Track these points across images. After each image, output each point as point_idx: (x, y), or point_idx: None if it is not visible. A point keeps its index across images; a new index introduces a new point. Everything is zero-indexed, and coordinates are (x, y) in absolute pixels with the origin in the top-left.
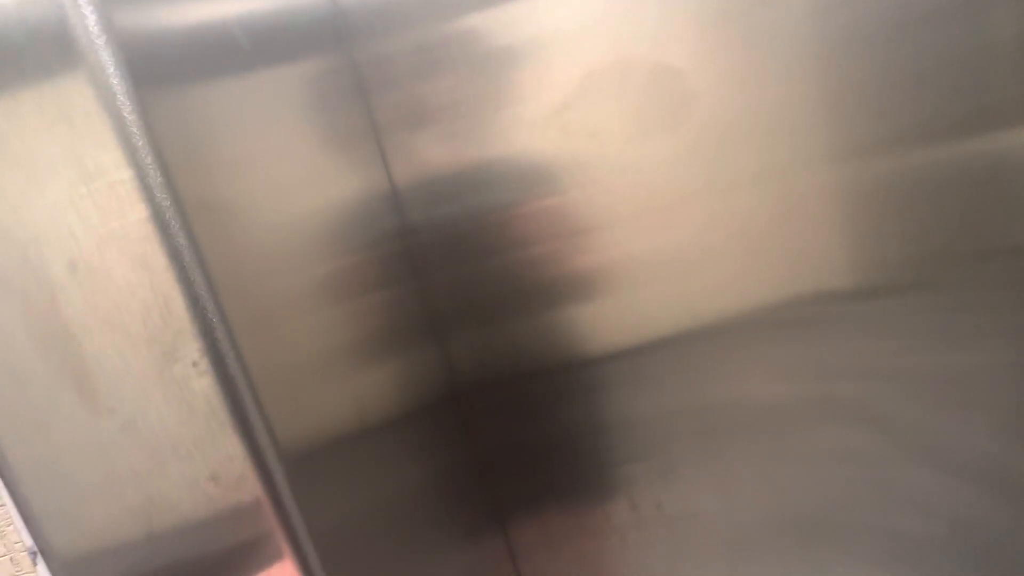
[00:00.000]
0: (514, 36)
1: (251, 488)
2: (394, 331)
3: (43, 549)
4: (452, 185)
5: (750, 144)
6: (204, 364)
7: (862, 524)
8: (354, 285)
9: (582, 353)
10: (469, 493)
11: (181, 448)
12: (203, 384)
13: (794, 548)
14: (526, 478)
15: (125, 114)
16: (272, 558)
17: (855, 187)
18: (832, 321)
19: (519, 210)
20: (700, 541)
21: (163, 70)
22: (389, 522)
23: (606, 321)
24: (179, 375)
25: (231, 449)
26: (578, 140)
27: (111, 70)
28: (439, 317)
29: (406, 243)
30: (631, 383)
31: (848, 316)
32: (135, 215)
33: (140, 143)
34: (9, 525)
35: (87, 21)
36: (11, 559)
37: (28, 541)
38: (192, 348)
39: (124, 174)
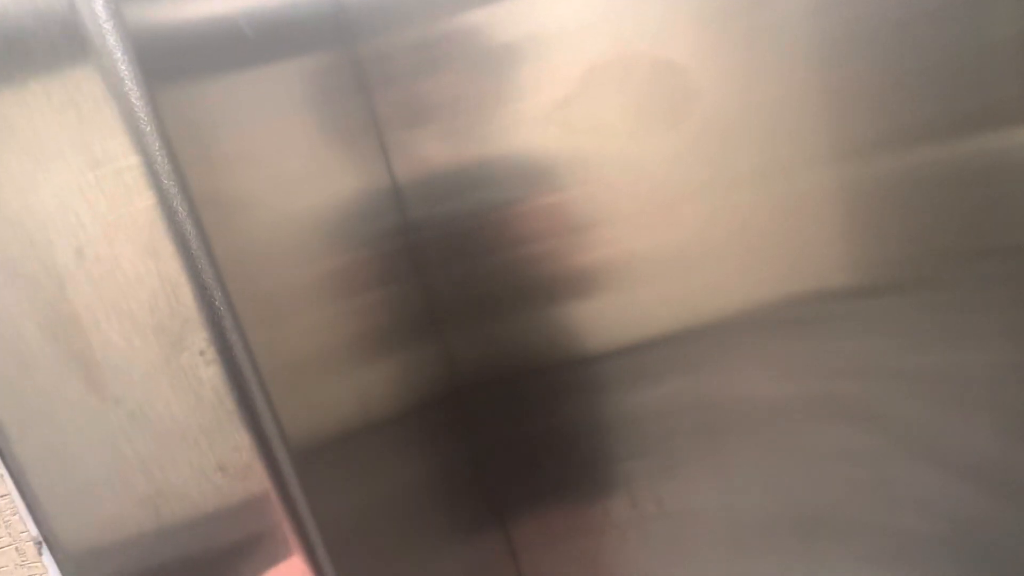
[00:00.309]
0: (516, 32)
1: (258, 479)
2: (395, 327)
3: (48, 539)
4: (454, 182)
5: (752, 142)
6: (211, 353)
7: (862, 522)
8: (356, 281)
9: (583, 350)
10: (470, 490)
11: (188, 437)
12: (210, 373)
13: (794, 546)
14: (527, 475)
15: (133, 100)
16: (280, 550)
17: (856, 185)
18: (833, 319)
19: (520, 207)
20: (700, 539)
21: (170, 60)
22: (393, 517)
23: (607, 318)
24: (186, 364)
25: (239, 439)
26: (580, 136)
27: (119, 57)
28: (440, 313)
29: (408, 240)
30: (632, 380)
31: (849, 314)
32: (142, 202)
33: (148, 130)
34: (14, 515)
35: (96, 7)
36: (16, 548)
37: (33, 531)
38: (199, 337)
39: (131, 161)
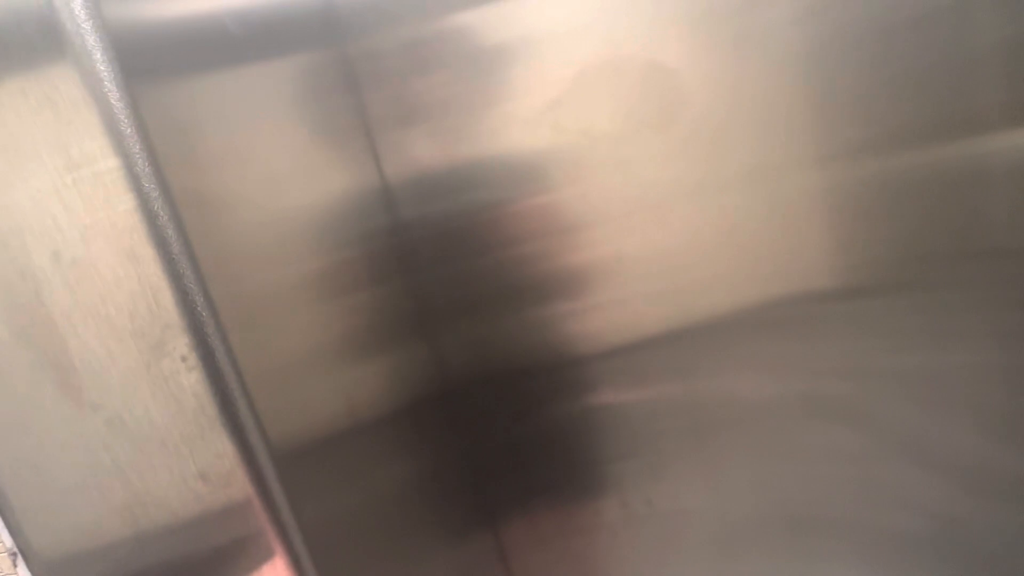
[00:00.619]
0: (506, 34)
1: (240, 486)
2: (384, 327)
3: (24, 550)
4: (444, 182)
5: (740, 145)
6: (193, 359)
7: (848, 520)
8: (345, 281)
9: (573, 351)
10: (459, 491)
11: (169, 444)
12: (192, 379)
13: (781, 544)
14: (516, 476)
15: (112, 101)
16: (263, 556)
17: (842, 188)
18: (819, 320)
19: (511, 208)
20: (690, 538)
21: (151, 59)
22: (379, 520)
23: (596, 319)
24: (167, 370)
25: (220, 446)
26: (570, 137)
27: (98, 57)
28: (430, 314)
29: (397, 240)
30: (621, 381)
31: (835, 316)
32: (122, 205)
33: (127, 131)
34: None
35: (74, 5)
36: None
37: (8, 542)
38: (181, 342)
39: (110, 163)
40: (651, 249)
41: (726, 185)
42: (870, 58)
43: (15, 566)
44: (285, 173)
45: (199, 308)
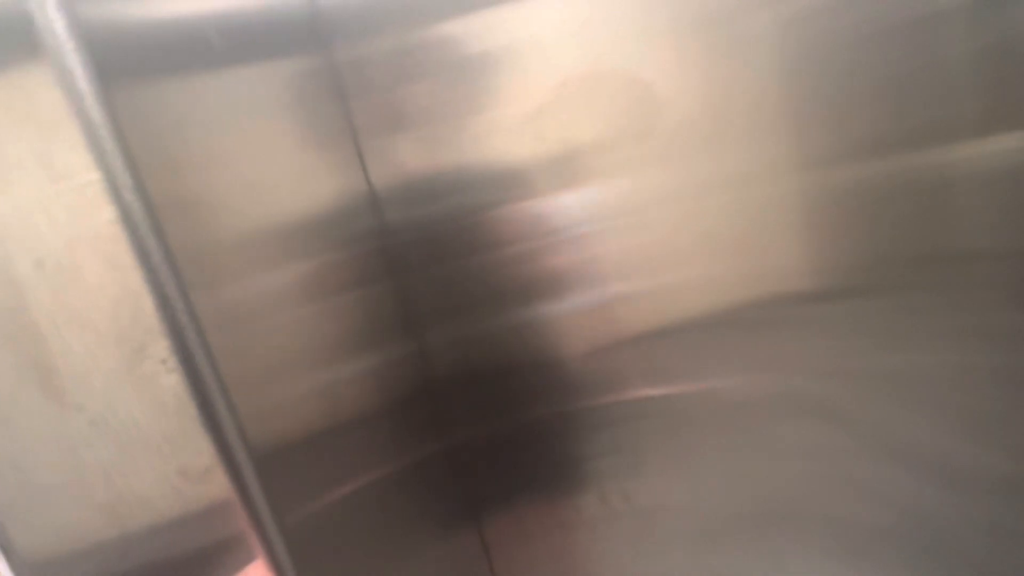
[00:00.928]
0: (491, 43)
1: (220, 484)
2: (370, 329)
3: (5, 548)
4: (429, 187)
5: (715, 153)
6: (173, 362)
7: (821, 515)
8: (330, 284)
9: (554, 351)
10: (443, 488)
11: (150, 444)
12: (172, 381)
13: (756, 539)
14: (500, 473)
15: (94, 116)
16: (243, 556)
17: (818, 194)
18: (793, 322)
19: (494, 212)
20: (667, 533)
21: (132, 65)
22: (362, 517)
23: (578, 320)
24: (148, 372)
25: (200, 445)
26: (552, 146)
27: (77, 67)
28: (415, 315)
29: (383, 243)
30: (602, 380)
31: (810, 317)
32: (104, 216)
33: (109, 145)
34: None
35: (50, 15)
36: None
37: None
38: (161, 346)
39: (93, 175)
40: (630, 253)
41: (702, 192)
42: (846, 68)
43: None
44: (271, 178)
45: (179, 314)
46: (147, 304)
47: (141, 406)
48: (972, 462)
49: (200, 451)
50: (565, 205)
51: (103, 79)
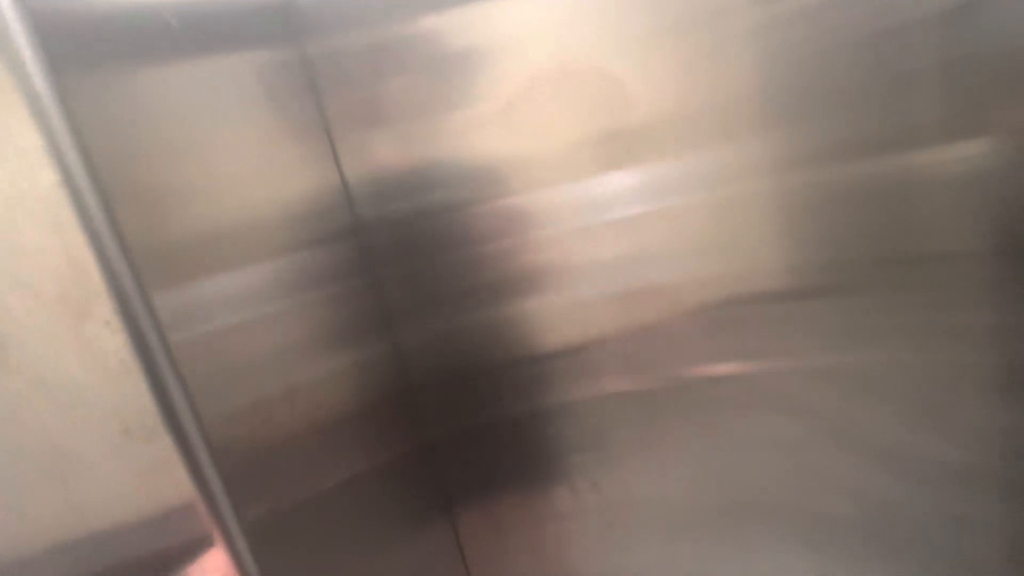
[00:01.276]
0: (465, 40)
1: (165, 445)
2: (342, 325)
3: None
4: (404, 183)
5: (686, 153)
6: (117, 323)
7: (785, 505)
8: (301, 280)
9: (529, 348)
10: (416, 483)
11: (93, 405)
12: (116, 342)
13: (725, 530)
14: (473, 468)
15: (36, 82)
16: (189, 516)
17: (787, 196)
18: (763, 320)
19: (469, 209)
20: (638, 525)
21: (81, 46)
22: (334, 512)
23: (552, 317)
24: (91, 334)
25: (145, 406)
26: (523, 140)
27: (22, 40)
28: (390, 312)
29: (357, 240)
30: (574, 377)
31: (778, 315)
32: (46, 180)
33: (53, 112)
34: None
35: None
36: None
37: None
38: (105, 308)
39: (35, 140)
40: (602, 251)
41: (675, 190)
42: (817, 75)
43: None
44: (238, 170)
45: (123, 276)
46: (90, 267)
47: (84, 368)
48: (931, 454)
49: (144, 412)
50: (539, 204)
51: (47, 50)
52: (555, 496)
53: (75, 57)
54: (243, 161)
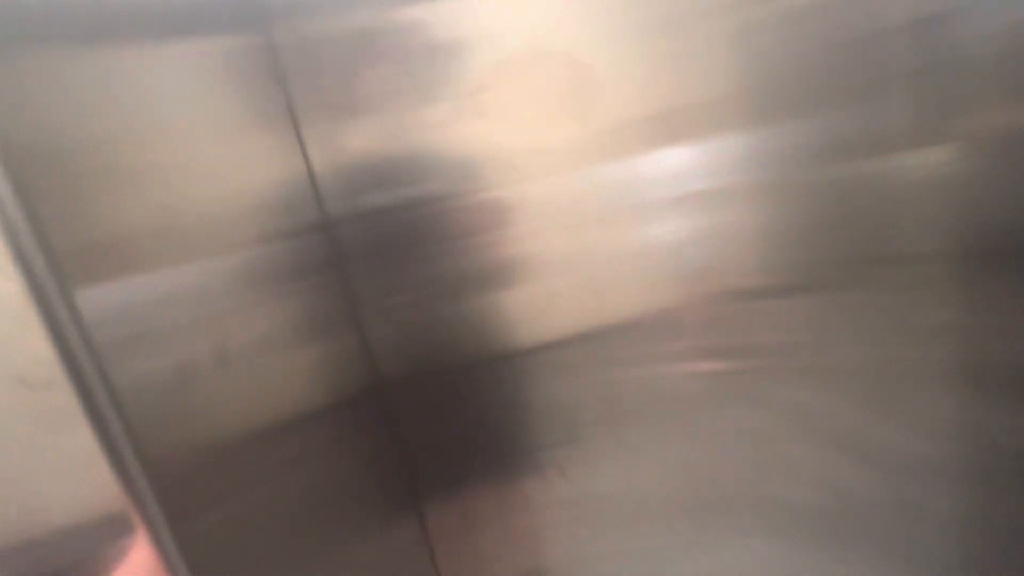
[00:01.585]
0: (440, 30)
1: (65, 395)
2: (310, 321)
3: None
4: (373, 176)
5: (655, 145)
6: (12, 270)
7: (752, 495)
8: (268, 274)
9: (500, 342)
10: (385, 479)
11: None
12: (11, 288)
13: (696, 521)
14: (444, 464)
15: None
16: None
17: (755, 197)
18: (740, 316)
19: (440, 202)
20: (609, 517)
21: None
22: (296, 508)
23: (524, 312)
24: None
25: (42, 354)
26: (494, 125)
27: None
28: (361, 308)
29: (324, 234)
30: (547, 373)
31: (750, 312)
32: None
33: None
34: None
35: None
36: None
37: None
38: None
39: None
40: (576, 245)
41: (649, 184)
42: (791, 78)
43: None
44: (195, 160)
45: (17, 220)
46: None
47: None
48: (895, 446)
49: (41, 361)
50: (511, 199)
51: None
52: (525, 489)
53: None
54: (200, 151)
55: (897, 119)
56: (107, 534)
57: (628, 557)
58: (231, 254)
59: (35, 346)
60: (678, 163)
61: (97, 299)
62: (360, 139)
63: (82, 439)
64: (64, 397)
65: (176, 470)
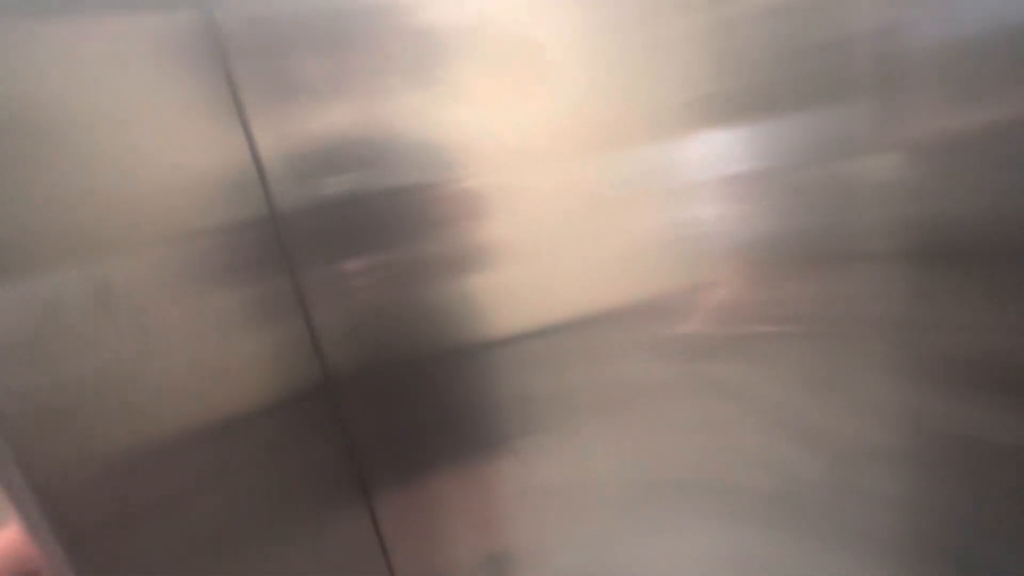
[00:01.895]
0: (388, 10)
1: None
2: (255, 314)
3: None
4: (322, 164)
5: (614, 145)
6: None
7: (716, 482)
8: (211, 266)
9: (459, 338)
10: (332, 469)
11: None
12: None
13: (663, 507)
14: (391, 451)
15: None
16: None
17: (717, 194)
18: (699, 309)
19: (392, 188)
20: (571, 507)
21: None
22: (239, 500)
23: (477, 304)
24: None
25: None
26: (446, 105)
27: None
28: (308, 299)
29: (272, 223)
30: (504, 365)
31: (713, 305)
32: None
33: None
34: None
35: None
36: None
37: None
38: None
39: None
40: (530, 237)
41: (609, 175)
42: (754, 81)
43: None
44: (126, 143)
45: None
46: None
47: None
48: (847, 435)
49: None
50: (463, 189)
51: None
52: (480, 477)
53: None
54: (133, 135)
55: (857, 123)
56: None
57: (588, 542)
58: (165, 245)
59: None
60: (643, 162)
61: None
62: (308, 126)
63: None
64: None
65: (95, 475)
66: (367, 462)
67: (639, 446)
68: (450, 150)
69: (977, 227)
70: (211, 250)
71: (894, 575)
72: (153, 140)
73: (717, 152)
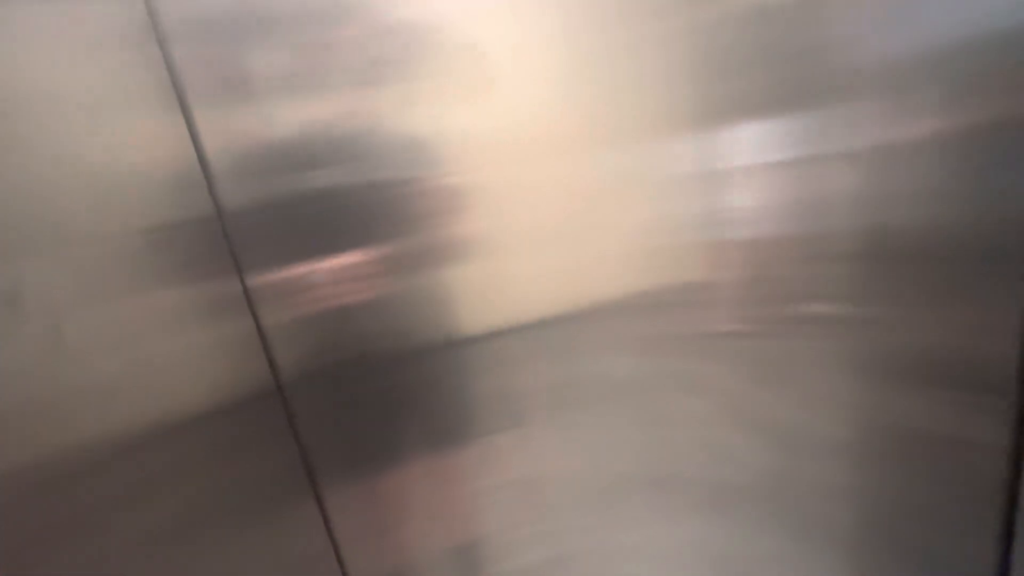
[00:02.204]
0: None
1: None
2: (202, 314)
3: None
4: (271, 161)
5: (574, 127)
6: None
7: (694, 477)
8: (154, 267)
9: (409, 339)
10: (279, 460)
11: None
12: None
13: (638, 501)
14: (340, 443)
15: None
16: None
17: (687, 194)
18: (680, 307)
19: (345, 189)
20: (545, 501)
21: None
22: (188, 492)
23: (429, 299)
24: None
25: None
26: (391, 105)
27: None
28: (256, 299)
29: (217, 221)
30: (488, 360)
31: (695, 303)
32: None
33: None
34: None
35: None
36: None
37: None
38: None
39: None
40: (494, 234)
41: (578, 175)
42: (726, 82)
43: None
44: (62, 137)
45: None
46: None
47: None
48: (814, 430)
49: None
50: (426, 187)
51: None
52: (437, 474)
53: None
54: (61, 129)
55: (830, 127)
56: None
57: (552, 536)
58: (94, 244)
59: None
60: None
61: None
62: (255, 124)
63: None
64: None
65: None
66: (318, 462)
67: (614, 441)
68: (406, 148)
69: (927, 229)
70: (151, 249)
71: (848, 562)
72: (86, 134)
73: (691, 152)
